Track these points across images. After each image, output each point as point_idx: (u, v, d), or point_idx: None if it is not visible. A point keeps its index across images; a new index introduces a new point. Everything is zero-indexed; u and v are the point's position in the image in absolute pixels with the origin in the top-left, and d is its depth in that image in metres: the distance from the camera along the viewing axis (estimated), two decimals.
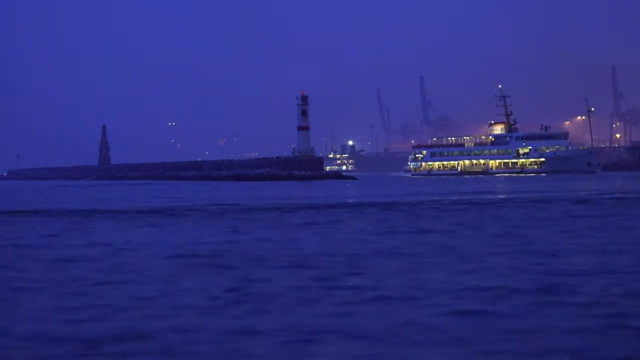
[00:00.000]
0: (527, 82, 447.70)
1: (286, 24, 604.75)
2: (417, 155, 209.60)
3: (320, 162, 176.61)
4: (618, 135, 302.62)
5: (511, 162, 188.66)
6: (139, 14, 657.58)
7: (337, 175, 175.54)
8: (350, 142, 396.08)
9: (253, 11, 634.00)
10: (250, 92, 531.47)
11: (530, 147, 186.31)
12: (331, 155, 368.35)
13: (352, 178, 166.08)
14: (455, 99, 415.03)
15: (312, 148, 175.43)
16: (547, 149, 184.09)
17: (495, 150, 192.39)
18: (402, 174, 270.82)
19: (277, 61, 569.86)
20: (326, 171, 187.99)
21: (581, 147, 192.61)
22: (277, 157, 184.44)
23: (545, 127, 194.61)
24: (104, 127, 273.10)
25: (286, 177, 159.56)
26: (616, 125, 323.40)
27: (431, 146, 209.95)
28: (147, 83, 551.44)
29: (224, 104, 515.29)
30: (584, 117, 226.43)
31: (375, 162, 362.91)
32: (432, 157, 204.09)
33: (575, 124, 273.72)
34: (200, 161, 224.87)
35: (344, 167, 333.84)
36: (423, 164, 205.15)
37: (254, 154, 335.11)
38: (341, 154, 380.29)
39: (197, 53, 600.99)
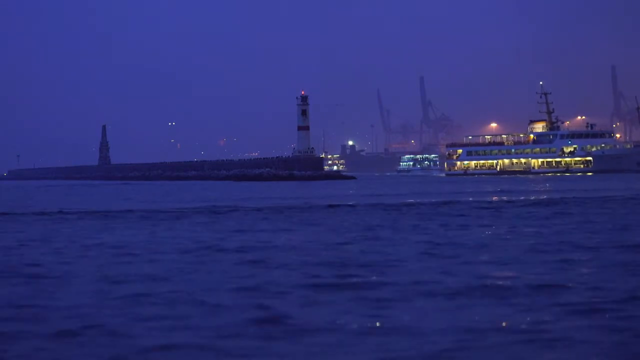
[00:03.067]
0: (526, 82, 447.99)
1: (286, 24, 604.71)
2: (451, 154, 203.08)
3: (320, 162, 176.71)
4: (618, 135, 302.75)
5: (555, 161, 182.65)
6: (139, 13, 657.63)
7: (338, 176, 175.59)
8: (350, 142, 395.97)
9: (253, 11, 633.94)
10: (250, 92, 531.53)
11: (576, 146, 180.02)
12: (322, 155, 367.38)
13: (352, 178, 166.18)
14: (455, 99, 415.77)
15: (312, 148, 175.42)
16: (593, 147, 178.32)
17: (538, 149, 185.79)
18: (395, 173, 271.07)
19: (277, 61, 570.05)
20: (326, 171, 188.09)
21: (628, 146, 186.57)
22: (277, 157, 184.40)
23: (591, 125, 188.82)
24: (104, 127, 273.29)
25: (286, 177, 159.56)
26: (616, 125, 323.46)
27: (467, 145, 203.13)
28: (147, 83, 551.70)
29: (224, 103, 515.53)
30: (584, 117, 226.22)
31: (367, 162, 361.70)
32: (469, 155, 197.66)
33: (575, 124, 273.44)
34: (201, 161, 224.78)
35: (335, 167, 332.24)
36: (458, 163, 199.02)
37: (254, 154, 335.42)
38: (333, 154, 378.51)
39: (197, 53, 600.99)
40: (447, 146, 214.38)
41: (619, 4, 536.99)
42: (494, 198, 61.29)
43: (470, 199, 60.61)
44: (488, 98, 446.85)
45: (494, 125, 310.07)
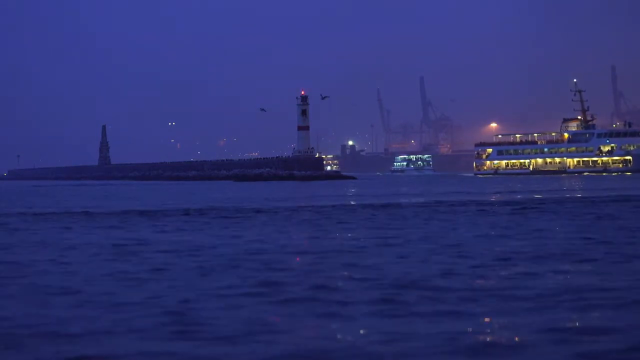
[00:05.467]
0: (526, 82, 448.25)
1: (286, 24, 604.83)
2: (480, 154, 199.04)
3: (320, 162, 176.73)
4: None
5: (591, 160, 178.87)
6: (139, 13, 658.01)
7: (338, 176, 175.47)
8: (350, 142, 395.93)
9: (254, 11, 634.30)
10: (250, 92, 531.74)
11: (614, 145, 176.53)
12: (317, 155, 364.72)
13: (352, 178, 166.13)
14: (456, 99, 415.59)
15: (312, 148, 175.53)
16: (631, 146, 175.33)
17: (574, 148, 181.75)
18: (389, 173, 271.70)
19: (277, 61, 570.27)
20: (326, 171, 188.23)
21: None
22: (277, 157, 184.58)
23: (629, 123, 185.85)
24: (104, 127, 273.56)
25: (286, 177, 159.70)
26: (616, 125, 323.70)
27: (498, 144, 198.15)
28: (147, 83, 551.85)
29: (224, 103, 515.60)
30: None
31: (367, 163, 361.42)
32: (499, 155, 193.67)
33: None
34: (201, 161, 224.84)
35: (329, 168, 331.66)
36: (488, 162, 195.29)
37: (254, 154, 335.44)
38: (328, 154, 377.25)
39: (196, 52, 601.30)
40: (475, 145, 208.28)
41: (618, 4, 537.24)
42: None
43: None
44: (488, 98, 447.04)
45: (494, 125, 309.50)
